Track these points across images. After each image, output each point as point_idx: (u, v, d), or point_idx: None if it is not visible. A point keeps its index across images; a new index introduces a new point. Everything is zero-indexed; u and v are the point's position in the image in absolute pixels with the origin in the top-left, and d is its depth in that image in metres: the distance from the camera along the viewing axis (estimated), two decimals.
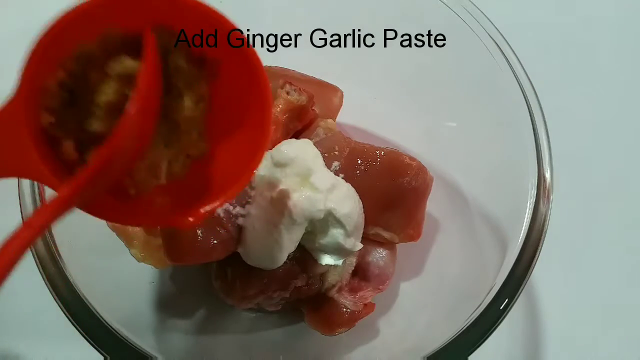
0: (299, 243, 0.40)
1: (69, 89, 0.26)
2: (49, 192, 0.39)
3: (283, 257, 0.39)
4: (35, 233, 0.24)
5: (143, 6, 0.26)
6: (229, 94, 0.29)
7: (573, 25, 0.62)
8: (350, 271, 0.44)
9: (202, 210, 0.28)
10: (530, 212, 0.40)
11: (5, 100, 0.25)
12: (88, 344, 0.36)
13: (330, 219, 0.39)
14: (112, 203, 0.27)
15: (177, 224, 0.28)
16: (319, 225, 0.39)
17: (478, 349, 0.36)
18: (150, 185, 0.28)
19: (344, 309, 0.44)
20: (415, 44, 0.49)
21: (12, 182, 0.38)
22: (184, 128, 0.28)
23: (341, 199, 0.39)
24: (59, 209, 0.24)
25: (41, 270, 0.37)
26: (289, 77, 0.45)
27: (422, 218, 0.45)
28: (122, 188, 0.27)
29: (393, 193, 0.43)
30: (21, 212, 0.38)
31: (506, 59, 0.43)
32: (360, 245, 0.41)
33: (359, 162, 0.42)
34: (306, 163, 0.39)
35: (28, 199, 0.38)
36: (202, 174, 0.29)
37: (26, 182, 0.38)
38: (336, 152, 0.42)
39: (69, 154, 0.26)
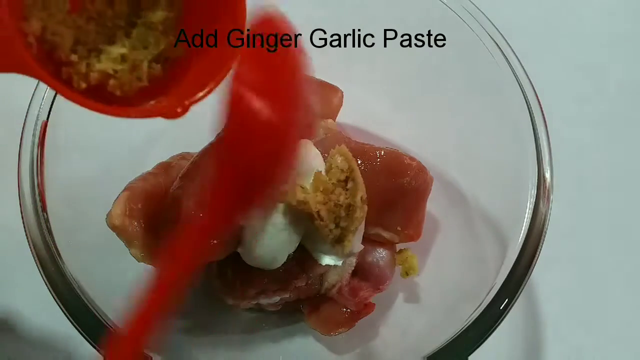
0: (299, 243, 0.40)
1: None
2: (49, 193, 0.39)
3: (283, 257, 0.39)
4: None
5: None
6: None
7: (574, 25, 0.62)
8: (350, 271, 0.44)
9: (186, 102, 0.29)
10: (530, 212, 0.40)
11: None
12: (88, 343, 0.36)
13: None
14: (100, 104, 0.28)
15: (165, 113, 0.29)
16: (319, 226, 0.39)
17: (478, 349, 0.36)
18: (134, 86, 0.29)
19: (344, 309, 0.44)
20: (415, 44, 0.49)
21: (12, 181, 0.39)
22: (160, 29, 0.30)
23: None
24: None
25: (41, 270, 0.37)
26: None
27: (422, 218, 0.45)
28: (108, 91, 0.29)
29: (393, 193, 0.43)
30: (21, 212, 0.38)
31: (506, 59, 0.43)
32: (360, 247, 0.41)
33: (359, 162, 0.42)
34: (306, 163, 0.39)
35: (28, 199, 0.38)
36: (183, 74, 0.30)
37: (26, 182, 0.38)
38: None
39: (62, 54, 0.28)
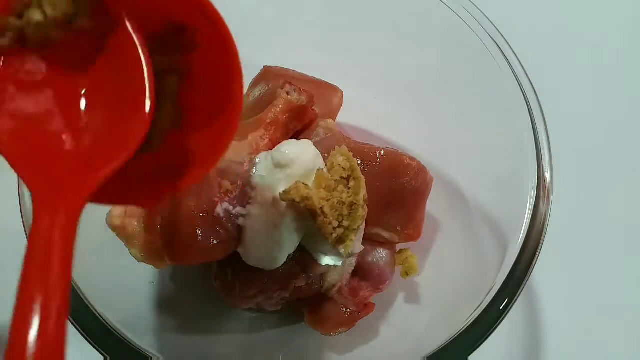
0: (299, 243, 0.40)
1: None
2: None
3: (283, 258, 0.39)
4: None
5: None
6: (203, 68, 0.29)
7: (574, 25, 0.62)
8: (350, 271, 0.44)
9: (165, 192, 0.28)
10: (530, 212, 0.40)
11: None
12: (88, 344, 0.36)
13: None
14: None
15: (141, 204, 0.28)
16: (319, 226, 0.39)
17: (478, 349, 0.36)
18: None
19: (344, 309, 0.44)
20: (416, 44, 0.49)
21: (12, 181, 0.39)
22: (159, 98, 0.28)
23: None
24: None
25: None
26: (289, 77, 0.45)
27: (422, 218, 0.45)
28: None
29: (393, 193, 0.43)
30: (21, 212, 0.38)
31: (506, 59, 0.43)
32: (361, 247, 0.41)
33: (359, 162, 0.42)
34: (306, 163, 0.39)
35: (28, 199, 0.38)
36: (176, 148, 0.29)
37: None
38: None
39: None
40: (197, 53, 0.28)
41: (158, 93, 0.27)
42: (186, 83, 0.29)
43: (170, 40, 0.28)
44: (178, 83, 0.29)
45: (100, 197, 0.26)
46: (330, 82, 0.48)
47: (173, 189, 0.28)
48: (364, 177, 0.38)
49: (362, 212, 0.38)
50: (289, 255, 0.40)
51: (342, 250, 0.38)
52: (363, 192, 0.38)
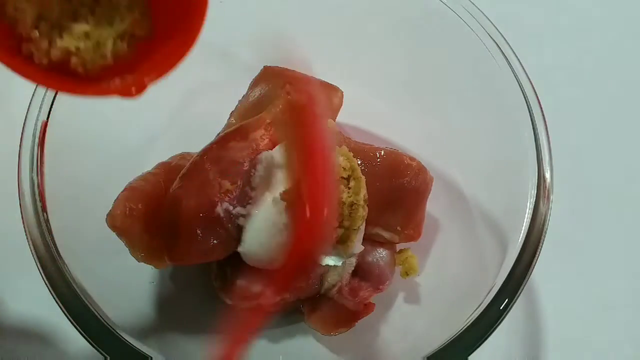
0: None
1: None
2: (49, 193, 0.39)
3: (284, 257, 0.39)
4: None
5: None
6: None
7: (574, 25, 0.62)
8: (350, 271, 0.44)
9: (145, 80, 0.28)
10: (530, 212, 0.40)
11: None
12: (88, 344, 0.36)
13: None
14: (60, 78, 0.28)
15: (121, 92, 0.28)
16: None
17: (478, 349, 0.36)
18: (97, 64, 0.29)
19: (344, 309, 0.44)
20: (416, 44, 0.49)
21: (12, 182, 0.39)
22: (125, 4, 0.29)
23: None
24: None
25: (41, 270, 0.37)
26: (289, 77, 0.45)
27: (422, 218, 0.45)
28: (70, 68, 0.28)
29: (393, 193, 0.43)
30: (21, 212, 0.38)
31: (506, 59, 0.43)
32: (361, 247, 0.41)
33: (359, 162, 0.42)
34: None
35: (28, 199, 0.38)
36: (149, 54, 0.30)
37: (26, 182, 0.38)
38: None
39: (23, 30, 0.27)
40: None
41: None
42: None
43: None
44: None
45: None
46: (330, 82, 0.48)
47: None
48: (364, 177, 0.38)
49: (363, 212, 0.38)
50: None
51: (342, 251, 0.38)
52: (363, 192, 0.38)
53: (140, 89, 0.28)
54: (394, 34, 0.50)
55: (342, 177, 0.38)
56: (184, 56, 0.29)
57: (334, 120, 0.47)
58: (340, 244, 0.38)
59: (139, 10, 0.30)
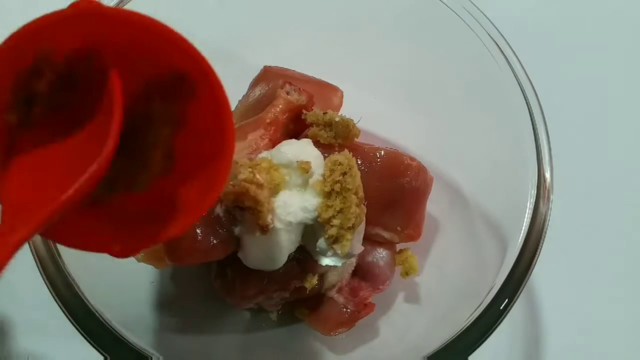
0: (299, 243, 0.40)
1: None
2: None
3: (283, 259, 0.39)
4: None
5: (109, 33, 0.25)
6: (196, 119, 0.28)
7: (574, 25, 0.62)
8: (350, 271, 0.44)
9: (149, 239, 0.28)
10: (530, 212, 0.40)
11: None
12: (88, 343, 0.36)
13: None
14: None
15: (111, 252, 0.28)
16: (317, 227, 0.39)
17: (478, 349, 0.36)
18: (105, 197, 0.28)
19: (344, 309, 0.44)
20: (416, 44, 0.49)
21: None
22: (150, 145, 0.28)
23: None
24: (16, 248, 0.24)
25: (41, 270, 0.37)
26: (289, 77, 0.45)
27: (422, 218, 0.45)
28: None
29: (393, 193, 0.43)
30: None
31: (506, 59, 0.43)
32: (361, 248, 0.41)
33: (359, 162, 0.42)
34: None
35: None
36: (164, 194, 0.29)
37: None
38: (336, 152, 0.42)
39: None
40: (192, 104, 0.28)
41: (150, 143, 0.28)
42: (179, 134, 0.29)
43: (170, 87, 0.28)
44: (171, 135, 0.29)
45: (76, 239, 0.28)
46: (330, 82, 0.48)
47: (157, 236, 0.28)
48: (359, 173, 0.38)
49: (356, 210, 0.37)
50: (289, 256, 0.40)
51: (338, 251, 0.38)
52: (356, 188, 0.38)
53: (131, 254, 0.28)
54: (394, 34, 0.50)
55: (337, 174, 0.38)
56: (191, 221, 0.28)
57: None
58: (335, 243, 0.37)
59: (163, 151, 0.29)
